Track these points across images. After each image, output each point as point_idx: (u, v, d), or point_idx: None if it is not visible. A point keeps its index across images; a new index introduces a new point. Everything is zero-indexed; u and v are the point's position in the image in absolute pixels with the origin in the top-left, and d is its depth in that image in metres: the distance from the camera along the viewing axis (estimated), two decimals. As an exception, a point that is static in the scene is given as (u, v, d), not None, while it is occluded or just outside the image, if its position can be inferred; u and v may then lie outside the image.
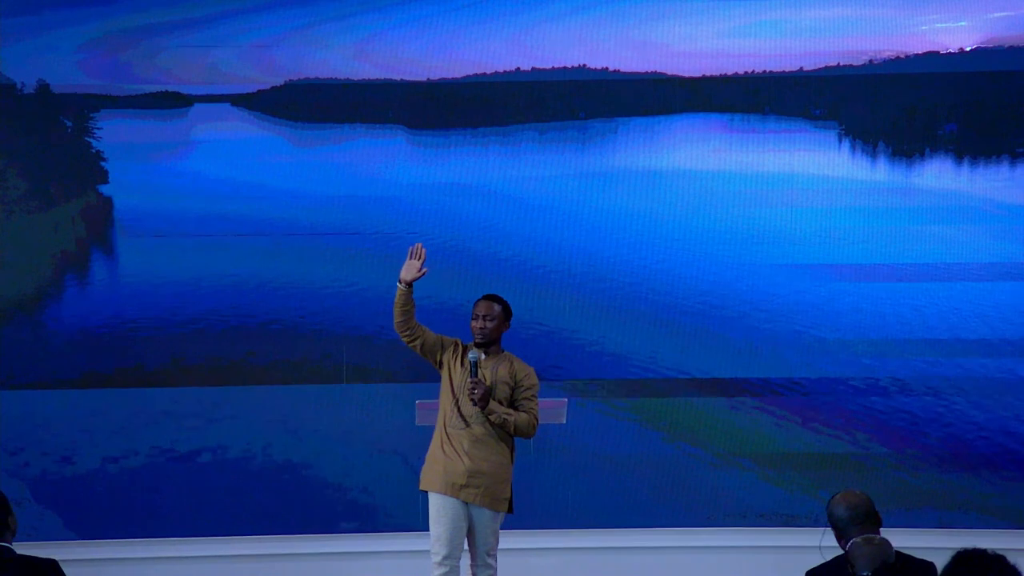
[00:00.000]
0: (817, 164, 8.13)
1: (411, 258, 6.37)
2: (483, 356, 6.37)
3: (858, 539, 4.88)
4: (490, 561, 6.37)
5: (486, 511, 6.32)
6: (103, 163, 8.22)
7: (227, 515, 8.05)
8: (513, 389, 6.37)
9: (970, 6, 8.09)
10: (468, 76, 8.19)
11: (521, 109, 8.20)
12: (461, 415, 6.33)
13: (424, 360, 6.47)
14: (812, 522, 7.35)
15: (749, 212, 8.11)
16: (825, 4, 8.14)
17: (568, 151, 8.18)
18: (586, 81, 8.17)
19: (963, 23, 8.09)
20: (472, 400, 6.26)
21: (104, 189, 8.22)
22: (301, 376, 8.10)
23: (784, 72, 8.13)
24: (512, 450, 6.42)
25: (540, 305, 8.04)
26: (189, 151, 8.24)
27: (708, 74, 8.14)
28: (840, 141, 8.12)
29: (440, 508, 6.30)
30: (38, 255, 8.19)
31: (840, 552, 5.03)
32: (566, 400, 6.98)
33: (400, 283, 6.33)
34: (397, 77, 8.21)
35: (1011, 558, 3.96)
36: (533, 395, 6.40)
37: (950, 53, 8.08)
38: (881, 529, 5.02)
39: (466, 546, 6.40)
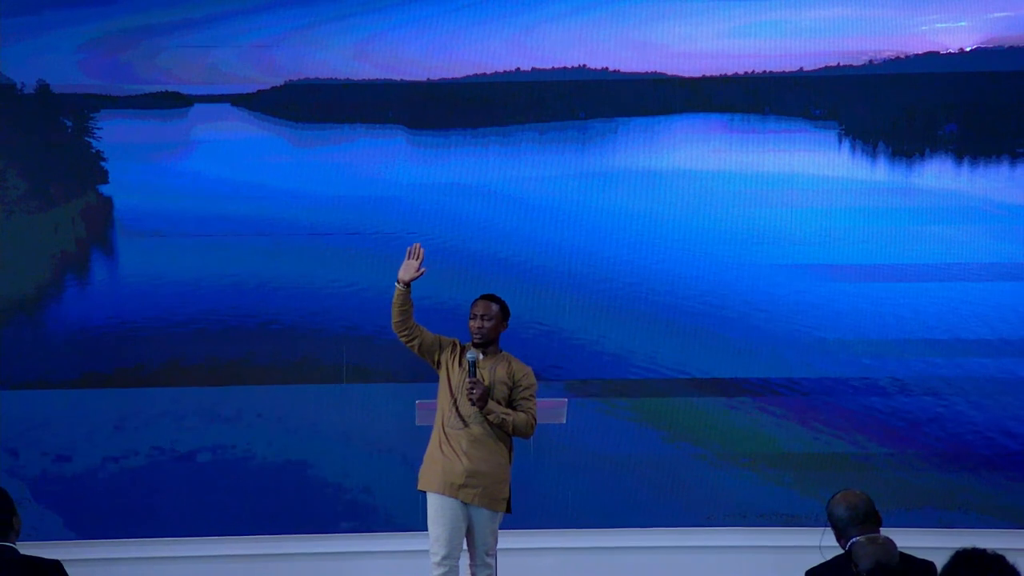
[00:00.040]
0: (817, 164, 8.13)
1: (409, 258, 6.37)
2: (481, 356, 6.37)
3: (861, 538, 4.88)
4: (489, 561, 6.38)
5: (484, 511, 6.33)
6: (103, 163, 8.22)
7: (227, 515, 8.05)
8: (511, 389, 6.37)
9: (970, 6, 8.09)
10: (468, 76, 8.20)
11: (521, 109, 8.20)
12: (459, 415, 6.33)
13: (423, 360, 6.47)
14: (812, 522, 7.35)
15: (749, 212, 8.11)
16: (825, 4, 8.14)
17: (568, 151, 8.18)
18: (586, 81, 8.17)
19: (963, 23, 8.09)
20: (470, 400, 6.26)
21: (104, 189, 8.22)
22: (301, 376, 8.10)
23: (784, 72, 8.13)
24: (510, 450, 6.42)
25: (540, 305, 8.05)
26: (189, 151, 8.24)
27: (708, 74, 8.15)
28: (840, 141, 8.12)
29: (439, 508, 6.30)
30: (38, 255, 8.19)
31: (840, 552, 5.03)
32: (566, 400, 6.97)
33: (398, 283, 6.33)
34: (397, 77, 8.21)
35: (1011, 558, 3.97)
36: (531, 395, 6.40)
37: (950, 53, 8.08)
38: (881, 529, 5.02)
39: (465, 546, 6.40)
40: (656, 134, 8.18)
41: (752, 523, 7.96)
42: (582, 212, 8.14)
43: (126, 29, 8.23)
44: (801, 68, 8.13)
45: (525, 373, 6.42)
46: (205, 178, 8.20)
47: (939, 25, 8.10)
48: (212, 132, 8.22)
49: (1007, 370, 7.97)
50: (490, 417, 6.28)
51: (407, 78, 8.20)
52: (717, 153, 8.14)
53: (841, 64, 8.10)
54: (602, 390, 8.05)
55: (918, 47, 8.09)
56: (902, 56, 8.09)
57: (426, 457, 6.42)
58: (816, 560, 5.09)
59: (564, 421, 6.88)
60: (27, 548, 5.15)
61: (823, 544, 5.09)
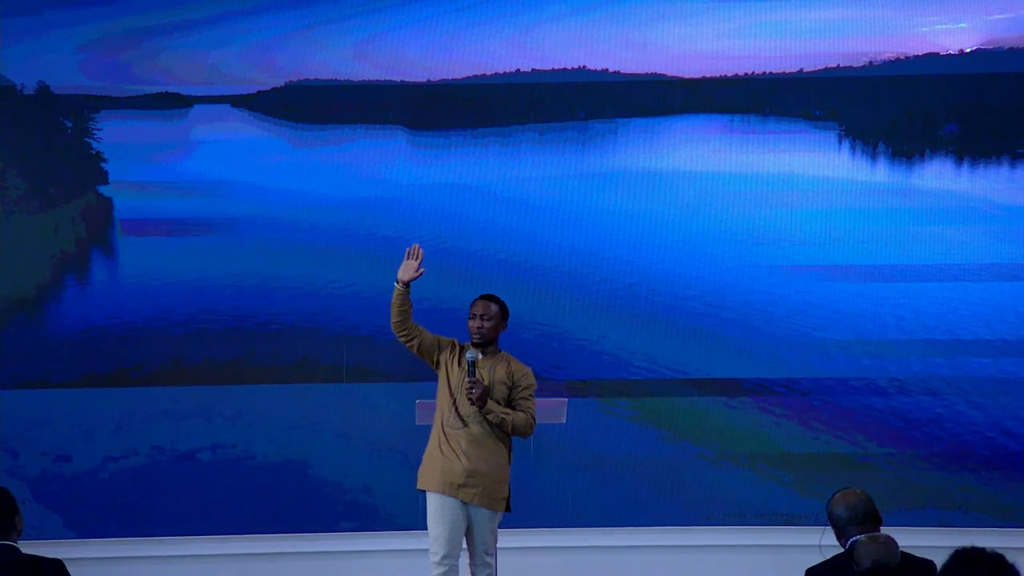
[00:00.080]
0: (817, 165, 8.13)
1: (408, 258, 6.37)
2: (480, 356, 6.37)
3: (863, 537, 4.88)
4: (488, 560, 6.38)
5: (484, 511, 6.33)
6: (103, 163, 8.22)
7: (227, 514, 8.05)
8: (511, 389, 6.37)
9: (970, 8, 8.09)
10: (468, 77, 8.20)
11: (521, 110, 8.20)
12: (459, 415, 6.33)
13: (422, 360, 6.47)
14: (812, 522, 7.34)
15: (749, 213, 8.11)
16: (825, 5, 8.15)
17: (568, 152, 8.19)
18: (586, 82, 8.17)
19: (963, 25, 8.10)
20: (470, 400, 6.26)
21: (104, 189, 8.22)
22: (301, 376, 8.10)
23: (784, 73, 8.13)
24: (509, 450, 6.42)
25: (540, 305, 8.05)
26: (189, 151, 8.25)
27: (708, 75, 8.15)
28: (840, 142, 8.13)
29: (438, 508, 6.31)
30: (38, 255, 8.19)
31: (840, 551, 5.03)
32: (566, 400, 6.97)
33: (397, 283, 6.34)
34: (397, 78, 8.21)
35: (1011, 557, 3.97)
36: (530, 395, 6.40)
37: (950, 54, 8.09)
38: (881, 528, 5.02)
39: (465, 545, 6.40)
40: (656, 135, 8.18)
41: (752, 523, 7.96)
42: (582, 212, 8.15)
43: (126, 30, 8.23)
44: (801, 69, 8.13)
45: (524, 373, 6.42)
46: (205, 178, 8.21)
47: (939, 26, 8.11)
48: (212, 133, 8.23)
49: (1006, 370, 7.97)
50: (489, 417, 6.29)
51: (407, 79, 8.20)
52: (717, 154, 8.15)
53: (841, 65, 8.11)
54: (602, 390, 8.06)
55: (918, 48, 8.10)
56: (902, 57, 8.10)
57: (425, 457, 6.42)
58: (816, 559, 5.09)
59: (564, 421, 6.88)
60: (27, 547, 5.15)
61: (823, 543, 5.08)
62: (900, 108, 8.11)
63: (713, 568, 7.84)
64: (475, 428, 6.31)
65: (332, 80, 8.23)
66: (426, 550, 6.34)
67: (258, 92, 8.23)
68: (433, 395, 6.48)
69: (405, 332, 6.36)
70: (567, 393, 7.79)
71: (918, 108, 8.13)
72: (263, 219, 8.15)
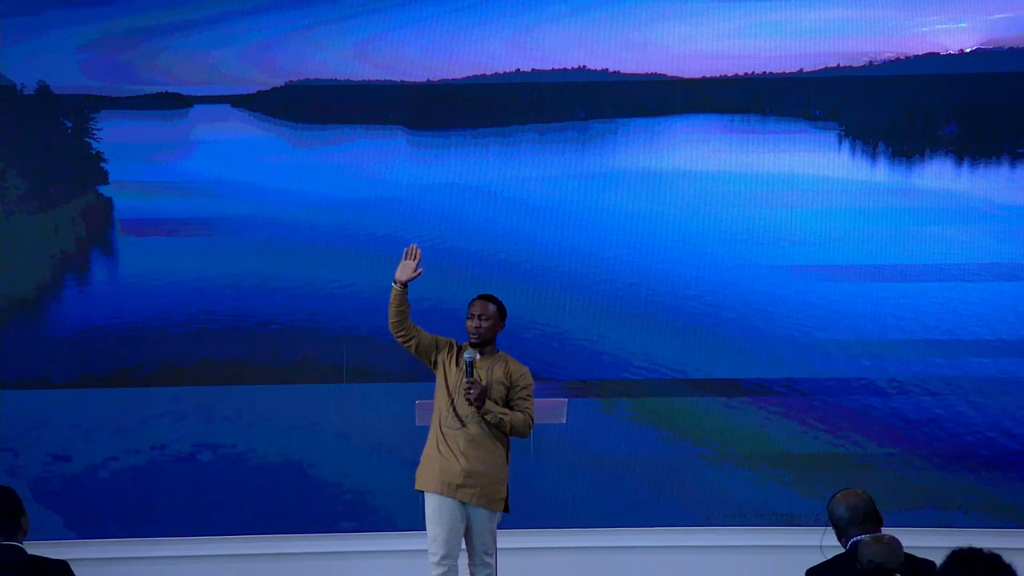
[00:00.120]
0: (817, 165, 8.13)
1: (406, 258, 6.37)
2: (478, 356, 6.37)
3: (867, 537, 4.88)
4: (488, 560, 6.37)
5: (483, 511, 6.32)
6: (103, 163, 8.22)
7: (227, 514, 8.05)
8: (509, 389, 6.37)
9: (970, 7, 8.09)
10: (468, 77, 8.20)
11: (521, 110, 8.20)
12: (457, 415, 6.33)
13: (421, 360, 6.47)
14: (812, 522, 7.34)
15: (749, 213, 8.11)
16: (825, 5, 8.15)
17: (568, 152, 8.19)
18: (586, 82, 8.17)
19: (963, 24, 8.10)
20: (468, 400, 6.26)
21: (104, 189, 8.22)
22: (301, 376, 8.10)
23: (784, 73, 8.13)
24: (507, 450, 6.41)
25: (540, 305, 8.05)
26: (189, 151, 8.25)
27: (708, 75, 8.15)
28: (840, 142, 8.13)
29: (437, 508, 6.30)
30: (38, 255, 8.19)
31: (840, 551, 5.03)
32: (566, 400, 6.97)
33: (395, 283, 6.33)
34: (397, 78, 8.21)
35: (1010, 558, 3.97)
36: (528, 395, 6.39)
37: (950, 54, 8.09)
38: (882, 528, 5.02)
39: (464, 546, 6.40)
40: (656, 135, 8.18)
41: (752, 523, 7.96)
42: (582, 212, 8.15)
43: (126, 30, 8.23)
44: (801, 69, 8.13)
45: (522, 373, 6.41)
46: (205, 178, 8.21)
47: (939, 26, 8.11)
48: (212, 133, 8.23)
49: (1006, 370, 7.97)
50: (487, 417, 6.28)
51: (407, 79, 8.20)
52: (717, 154, 8.15)
53: (841, 65, 8.11)
54: (602, 390, 8.05)
55: (918, 48, 8.10)
56: (902, 57, 8.10)
57: (423, 457, 6.42)
58: (816, 560, 5.09)
59: (564, 421, 6.88)
60: (27, 548, 5.15)
61: (823, 544, 5.08)
62: (900, 108, 8.11)
63: (713, 568, 7.84)
64: (473, 428, 6.31)
65: (332, 80, 8.23)
66: (426, 550, 6.34)
67: (258, 92, 8.23)
68: (432, 395, 6.48)
69: (403, 332, 6.36)
70: (567, 393, 7.79)
71: (918, 108, 8.13)
72: (263, 219, 8.15)
